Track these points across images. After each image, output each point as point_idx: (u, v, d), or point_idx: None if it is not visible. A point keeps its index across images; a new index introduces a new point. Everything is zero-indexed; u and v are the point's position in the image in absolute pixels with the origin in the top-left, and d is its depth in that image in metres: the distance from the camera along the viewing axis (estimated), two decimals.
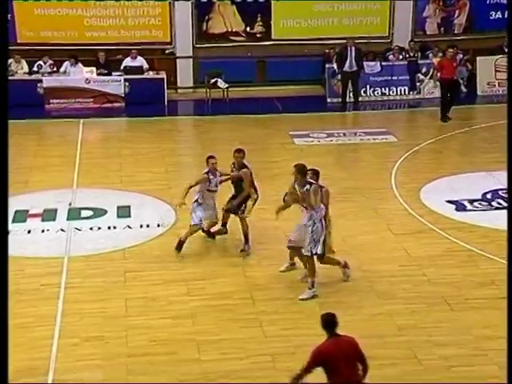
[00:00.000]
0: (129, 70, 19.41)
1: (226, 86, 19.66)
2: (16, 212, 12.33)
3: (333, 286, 9.93)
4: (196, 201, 11.04)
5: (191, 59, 20.78)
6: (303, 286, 9.85)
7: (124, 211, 12.50)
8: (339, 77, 19.37)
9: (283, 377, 7.89)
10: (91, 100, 19.21)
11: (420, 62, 20.03)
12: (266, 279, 10.16)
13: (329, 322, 6.74)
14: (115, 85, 19.24)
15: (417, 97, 19.87)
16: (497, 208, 12.49)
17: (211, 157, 11.19)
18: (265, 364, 8.15)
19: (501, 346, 8.28)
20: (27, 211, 12.42)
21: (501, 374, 7.82)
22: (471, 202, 12.74)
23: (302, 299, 9.55)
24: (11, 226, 11.77)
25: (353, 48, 19.05)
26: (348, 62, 19.04)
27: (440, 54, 19.66)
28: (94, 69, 19.26)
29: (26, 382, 7.38)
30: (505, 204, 12.57)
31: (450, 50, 18.00)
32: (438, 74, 18.00)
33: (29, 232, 11.70)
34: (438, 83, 18.83)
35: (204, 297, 9.65)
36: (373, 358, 8.11)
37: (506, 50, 17.77)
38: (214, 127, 18.14)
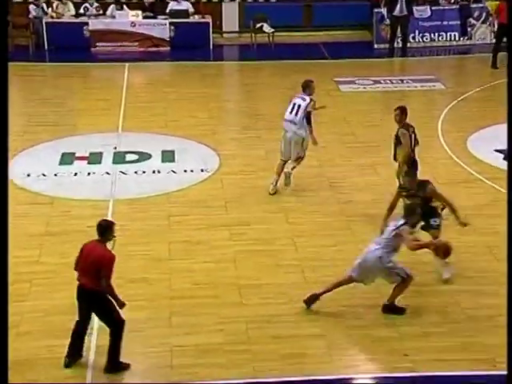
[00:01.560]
0: (174, 14, 19.29)
1: (272, 30, 19.42)
2: (63, 154, 12.49)
3: (374, 233, 9.87)
4: None
5: (237, 3, 20.53)
6: (344, 232, 9.85)
7: (168, 156, 12.55)
8: (388, 21, 18.95)
9: (323, 321, 7.97)
10: (137, 44, 19.17)
11: (472, 5, 19.46)
12: (308, 226, 10.16)
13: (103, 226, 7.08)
14: (160, 28, 19.15)
15: (467, 42, 19.38)
16: None
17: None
18: (308, 309, 8.19)
19: None
20: (74, 154, 12.56)
21: None
22: None
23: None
24: (58, 168, 11.94)
25: None
26: (398, 6, 18.58)
27: None
28: (139, 12, 19.19)
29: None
30: None
31: None
32: (495, 19, 17.49)
33: (75, 174, 11.84)
34: (490, 28, 18.32)
35: (247, 242, 9.70)
36: (414, 307, 8.18)
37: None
38: (258, 73, 17.98)
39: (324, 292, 8.17)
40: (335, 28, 20.18)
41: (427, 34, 19.36)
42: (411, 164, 10.10)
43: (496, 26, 18.06)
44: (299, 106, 10.89)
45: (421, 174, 11.70)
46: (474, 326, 7.93)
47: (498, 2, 18.32)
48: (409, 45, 19.08)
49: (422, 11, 19.29)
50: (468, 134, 13.25)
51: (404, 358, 7.39)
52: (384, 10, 19.03)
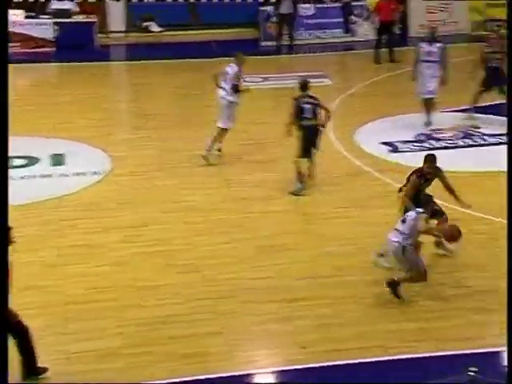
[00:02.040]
0: (56, 13, 18.83)
1: (160, 29, 19.30)
2: None
3: (269, 230, 10.02)
4: None
5: (122, 2, 20.27)
6: (238, 229, 9.95)
7: (58, 159, 12.28)
8: (274, 19, 19.23)
9: (220, 319, 8.02)
10: (19, 44, 18.60)
11: (354, 3, 20.01)
12: (204, 224, 10.19)
13: None
14: (43, 28, 18.69)
15: (351, 39, 19.90)
16: (429, 148, 12.71)
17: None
18: (204, 308, 8.22)
19: (436, 282, 8.53)
20: None
21: (434, 308, 8.09)
22: (405, 143, 12.94)
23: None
24: None
25: None
26: (285, 4, 18.90)
27: None
28: (20, 11, 18.61)
29: None
30: (437, 145, 12.81)
31: None
32: (376, 17, 18.09)
33: None
34: (372, 25, 18.92)
35: (143, 243, 9.63)
36: (311, 298, 8.36)
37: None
38: (147, 72, 17.84)
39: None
40: (223, 26, 20.28)
41: (312, 31, 19.78)
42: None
43: (377, 24, 18.65)
44: (227, 74, 12.06)
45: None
46: (368, 315, 8.13)
47: (377, 0, 18.98)
48: (295, 42, 19.42)
49: (306, 9, 19.70)
50: (355, 128, 13.61)
51: (302, 351, 7.53)
52: (270, 8, 19.28)
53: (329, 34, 19.84)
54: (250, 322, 8.02)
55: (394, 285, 8.30)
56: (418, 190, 8.99)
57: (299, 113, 11.04)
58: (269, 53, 19.09)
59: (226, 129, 12.22)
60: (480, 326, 7.93)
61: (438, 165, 9.06)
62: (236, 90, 12.01)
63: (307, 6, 19.78)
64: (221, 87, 12.09)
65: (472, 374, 5.38)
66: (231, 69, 12.09)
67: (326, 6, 20.01)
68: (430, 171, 8.99)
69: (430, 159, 9.04)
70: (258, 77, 16.87)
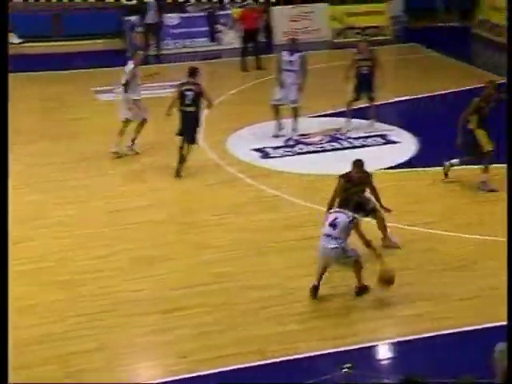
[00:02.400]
0: None
1: (20, 41, 18.72)
2: None
3: (146, 241, 9.94)
4: None
5: None
6: (115, 242, 9.80)
7: None
8: (140, 29, 19.10)
9: (103, 334, 7.87)
10: None
11: (218, 13, 20.19)
12: (76, 239, 9.96)
13: None
14: None
15: (217, 48, 20.06)
16: (299, 153, 13.02)
17: None
18: (83, 324, 8.04)
19: (306, 284, 8.76)
20: None
21: (309, 309, 8.30)
22: (275, 148, 13.17)
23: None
24: None
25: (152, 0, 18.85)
26: (149, 13, 18.83)
27: (237, 5, 19.99)
28: None
29: None
30: (306, 149, 13.13)
31: (251, 1, 18.34)
32: (241, 25, 18.35)
33: None
34: (238, 34, 19.19)
35: (17, 261, 9.26)
36: (190, 307, 8.36)
37: None
38: (10, 86, 17.21)
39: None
40: (87, 37, 19.92)
41: (179, 41, 19.78)
42: None
43: (242, 32, 18.92)
44: (125, 72, 12.70)
45: (186, 177, 12.01)
46: (245, 321, 8.22)
47: (241, 10, 19.27)
48: (162, 52, 19.36)
49: (172, 18, 19.68)
50: (226, 136, 13.71)
51: (182, 360, 7.51)
52: (135, 18, 19.14)
53: (195, 43, 19.90)
54: (131, 335, 7.93)
55: (361, 289, 8.48)
56: (348, 194, 9.17)
57: (181, 98, 11.79)
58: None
59: (128, 119, 12.73)
60: (354, 324, 8.20)
61: (366, 170, 9.31)
62: (126, 85, 12.63)
63: (172, 15, 19.76)
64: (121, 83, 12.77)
65: (346, 370, 5.55)
66: (127, 67, 12.76)
67: (191, 15, 20.06)
68: (358, 176, 9.18)
69: (358, 165, 9.22)
70: None
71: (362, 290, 8.50)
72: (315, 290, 8.47)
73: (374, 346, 7.83)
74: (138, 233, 10.13)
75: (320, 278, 8.50)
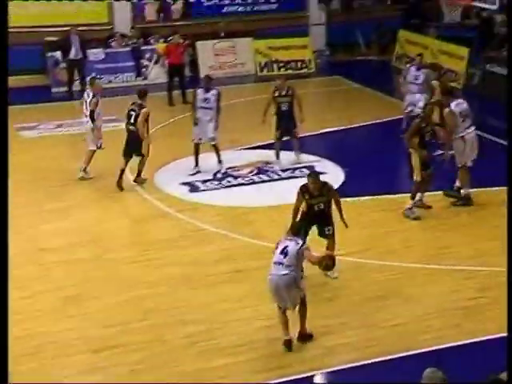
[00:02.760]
0: None
1: None
2: None
3: (73, 279, 9.79)
4: None
5: None
6: (40, 282, 9.61)
7: None
8: (64, 65, 18.95)
9: (27, 378, 7.67)
10: None
11: (143, 48, 20.22)
12: None
13: None
14: None
15: (143, 82, 20.03)
16: (227, 186, 13.08)
17: None
18: None
19: (239, 317, 8.79)
20: None
21: (241, 342, 8.31)
22: (204, 182, 13.21)
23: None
24: None
25: (76, 36, 18.74)
26: (73, 49, 18.71)
27: (162, 40, 20.07)
28: None
29: None
30: (235, 182, 13.21)
31: (177, 36, 18.47)
32: (166, 60, 18.42)
33: None
34: (164, 68, 19.24)
35: None
36: (120, 345, 8.26)
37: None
38: None
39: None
40: (9, 74, 19.55)
41: (104, 76, 19.68)
42: None
43: (166, 67, 18.97)
44: (85, 101, 13.36)
45: (114, 213, 11.93)
46: (177, 356, 8.16)
47: (166, 45, 19.36)
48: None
49: (96, 54, 19.60)
50: (154, 170, 13.66)
51: None
52: (58, 54, 19.00)
53: (121, 78, 19.85)
54: (58, 377, 7.76)
55: (304, 336, 8.32)
56: (308, 205, 9.52)
57: (126, 118, 12.92)
58: (61, 99, 18.74)
59: (94, 150, 13.22)
60: (284, 355, 8.22)
61: (322, 181, 9.60)
62: (92, 116, 13.15)
63: (97, 50, 19.67)
64: (84, 114, 13.28)
65: None
66: (87, 95, 13.35)
67: (115, 50, 20.01)
68: (314, 186, 9.46)
69: (312, 176, 9.65)
70: (52, 124, 16.52)
71: (305, 337, 8.33)
72: (289, 343, 8.22)
73: (305, 378, 7.87)
74: (64, 271, 9.97)
75: (286, 327, 8.20)
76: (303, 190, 9.58)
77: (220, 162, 13.70)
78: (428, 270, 9.98)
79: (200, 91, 13.63)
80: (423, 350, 8.13)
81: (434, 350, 8.15)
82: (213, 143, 13.61)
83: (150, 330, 8.62)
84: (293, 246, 8.16)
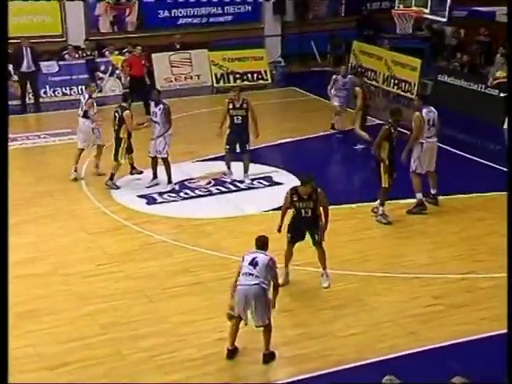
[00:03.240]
0: None
1: None
2: None
3: (29, 294, 9.66)
4: None
5: None
6: None
7: None
8: (16, 78, 18.74)
9: None
10: None
11: (98, 60, 20.08)
12: None
13: None
14: None
15: (99, 95, 19.84)
16: (185, 198, 13.05)
17: None
18: None
19: (197, 329, 8.78)
20: None
21: (200, 355, 8.29)
22: (161, 194, 13.16)
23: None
24: None
25: (28, 48, 18.53)
26: (25, 62, 18.50)
27: (116, 52, 19.98)
28: None
29: None
30: (192, 194, 13.19)
31: (138, 48, 18.30)
32: (127, 72, 18.33)
33: None
34: (122, 80, 19.19)
35: None
36: (78, 361, 8.17)
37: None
38: None
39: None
40: None
41: (58, 89, 19.50)
42: None
43: (128, 78, 18.85)
44: (81, 102, 14.02)
45: (70, 226, 11.80)
46: (136, 371, 8.10)
47: (122, 57, 19.29)
48: (41, 100, 19.04)
49: (49, 66, 19.40)
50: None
51: None
52: (10, 67, 18.80)
53: (75, 91, 19.67)
54: None
55: (271, 356, 8.24)
56: (296, 208, 9.71)
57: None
58: (14, 112, 18.48)
59: (103, 145, 13.88)
60: (244, 367, 8.21)
61: (313, 185, 9.63)
62: (86, 115, 13.79)
63: (50, 63, 19.48)
64: (79, 115, 13.99)
65: None
66: (83, 98, 14.04)
67: (69, 62, 19.83)
68: (304, 189, 9.60)
69: (303, 179, 9.79)
70: None
71: (270, 356, 8.28)
72: (233, 353, 8.27)
73: None
74: (20, 287, 9.81)
75: (234, 338, 8.24)
76: (292, 192, 9.74)
77: (169, 181, 13.33)
78: (385, 279, 10.10)
79: (152, 104, 13.55)
80: (380, 359, 8.21)
81: (390, 358, 8.24)
82: (160, 156, 13.33)
83: (107, 345, 8.55)
84: (262, 257, 8.18)
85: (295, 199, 9.66)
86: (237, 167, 13.73)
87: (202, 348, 8.46)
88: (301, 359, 8.29)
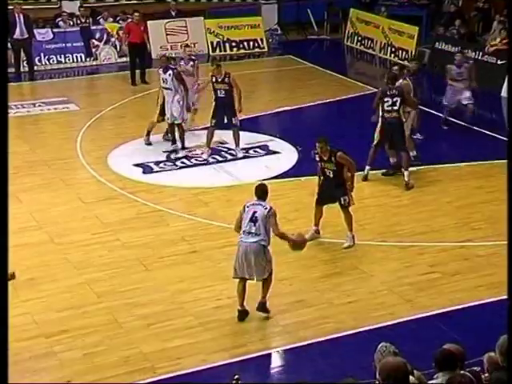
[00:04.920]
0: None
1: None
2: None
3: (25, 263, 9.65)
4: None
5: None
6: None
7: None
8: (9, 46, 18.54)
9: None
10: None
11: (93, 27, 19.88)
12: None
13: None
14: None
15: (94, 63, 19.76)
16: (181, 167, 13.00)
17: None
18: None
19: (195, 297, 8.79)
20: None
21: (196, 323, 8.32)
22: (157, 163, 13.10)
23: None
24: None
25: (21, 15, 18.29)
26: (18, 29, 18.27)
27: (111, 19, 19.77)
28: None
29: None
30: (188, 163, 13.14)
31: (136, 14, 18.05)
32: (126, 39, 18.10)
33: None
34: (113, 48, 19.01)
35: None
36: (74, 329, 8.18)
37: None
38: None
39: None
40: None
41: (53, 56, 19.30)
42: None
43: (125, 46, 18.65)
44: None
45: (65, 195, 11.76)
46: (132, 338, 8.12)
47: (117, 24, 19.09)
48: (36, 68, 18.88)
49: (43, 34, 19.21)
50: (107, 152, 13.48)
51: None
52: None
53: (70, 59, 19.51)
54: (13, 362, 7.64)
55: (263, 305, 8.37)
56: (320, 168, 10.07)
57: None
58: (9, 80, 18.35)
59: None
60: (241, 335, 8.26)
61: (331, 148, 9.89)
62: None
63: (44, 30, 19.29)
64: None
65: (234, 382, 5.61)
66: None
67: (63, 30, 19.62)
68: (323, 151, 9.89)
69: (320, 140, 9.93)
70: None
71: (264, 307, 8.39)
72: (243, 314, 8.37)
73: (260, 356, 7.91)
74: (16, 256, 9.76)
75: (242, 299, 8.35)
76: (316, 152, 10.07)
77: (183, 147, 13.43)
78: (382, 247, 10.11)
79: (160, 71, 13.48)
80: (376, 326, 8.24)
81: (386, 325, 8.27)
82: (176, 123, 13.40)
83: (104, 313, 8.55)
84: (261, 211, 8.25)
85: (318, 160, 10.03)
86: (231, 135, 13.66)
87: (199, 316, 8.48)
88: (298, 327, 8.32)
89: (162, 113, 13.50)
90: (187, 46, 15.99)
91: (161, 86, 13.48)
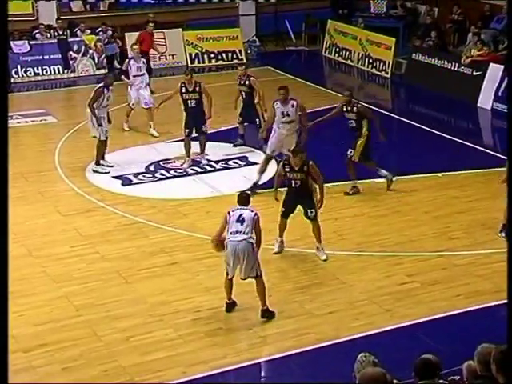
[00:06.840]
0: None
1: None
2: None
3: None
4: None
5: None
6: None
7: None
8: None
9: None
10: None
11: (70, 39, 19.82)
12: None
13: None
14: None
15: (72, 75, 19.69)
16: (160, 179, 12.98)
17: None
18: None
19: (174, 309, 8.77)
20: None
21: (176, 336, 8.30)
22: (136, 175, 13.07)
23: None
24: None
25: None
26: None
27: (88, 31, 19.73)
28: None
29: None
30: (167, 174, 13.12)
31: (151, 25, 18.03)
32: (137, 47, 17.92)
33: None
34: (91, 60, 18.97)
35: None
36: (53, 343, 8.13)
37: None
38: None
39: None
40: None
41: (30, 69, 19.21)
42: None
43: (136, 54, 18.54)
44: None
45: (43, 208, 11.70)
46: (112, 352, 8.09)
47: (94, 36, 19.02)
48: (13, 80, 18.77)
49: (20, 46, 19.11)
50: (86, 164, 13.43)
51: None
52: None
53: (48, 71, 19.42)
54: None
55: (266, 311, 8.50)
56: (288, 178, 9.93)
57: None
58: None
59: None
60: (221, 346, 8.25)
61: (304, 159, 9.84)
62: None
63: (20, 42, 19.19)
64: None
65: None
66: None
67: (41, 42, 19.54)
68: (295, 161, 9.80)
69: (295, 150, 10.09)
70: None
71: (268, 312, 8.52)
72: (231, 306, 8.61)
73: (243, 367, 7.90)
74: None
75: (230, 292, 8.57)
76: (285, 162, 10.00)
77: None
78: (361, 257, 10.15)
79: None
80: (356, 336, 8.27)
81: (366, 335, 8.30)
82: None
83: (83, 326, 8.51)
84: (248, 212, 8.41)
85: (287, 170, 9.89)
86: (210, 147, 13.69)
87: (178, 328, 8.46)
88: (278, 338, 8.32)
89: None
90: (135, 44, 16.79)
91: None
